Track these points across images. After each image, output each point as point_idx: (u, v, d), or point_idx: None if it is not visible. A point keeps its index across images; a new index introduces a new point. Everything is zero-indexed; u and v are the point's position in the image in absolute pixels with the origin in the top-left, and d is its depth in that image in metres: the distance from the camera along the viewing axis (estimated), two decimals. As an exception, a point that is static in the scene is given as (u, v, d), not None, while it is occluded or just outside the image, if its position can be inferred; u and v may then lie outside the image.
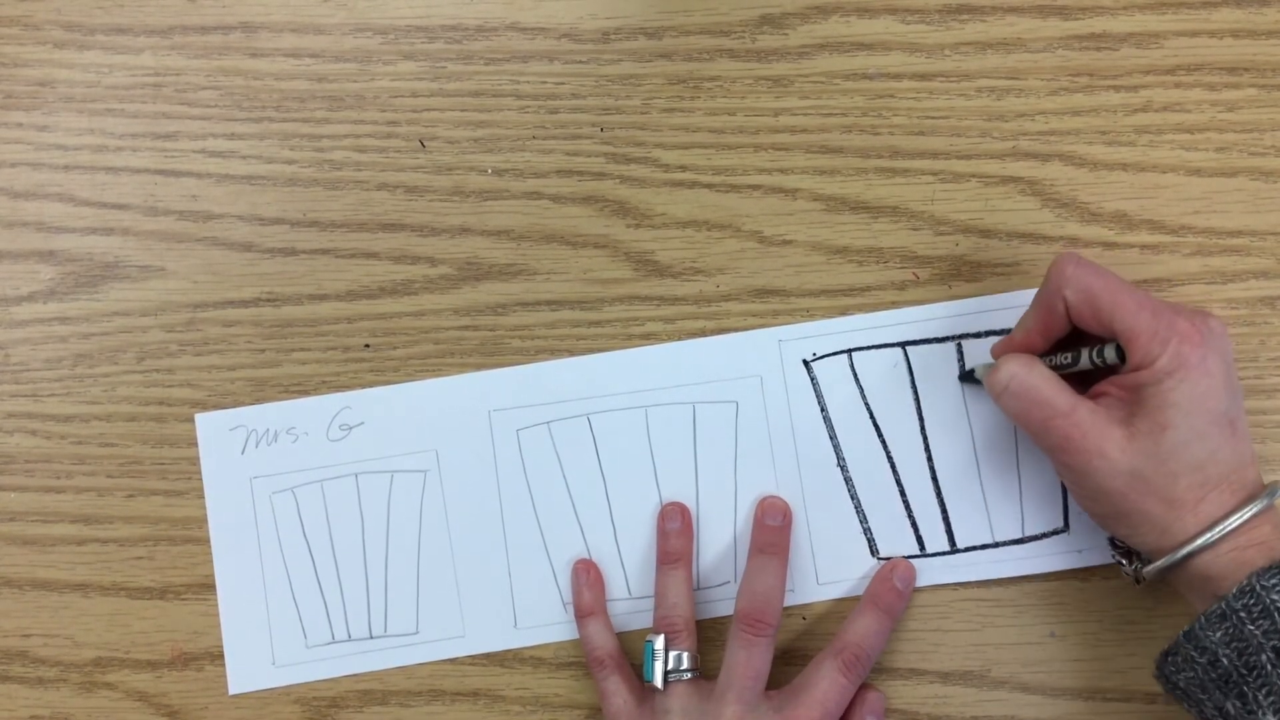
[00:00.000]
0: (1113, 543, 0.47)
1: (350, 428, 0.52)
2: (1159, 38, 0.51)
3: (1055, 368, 0.45)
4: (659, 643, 0.47)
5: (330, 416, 0.52)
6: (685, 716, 0.46)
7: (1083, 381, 0.45)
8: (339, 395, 0.52)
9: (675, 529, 0.50)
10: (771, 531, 0.49)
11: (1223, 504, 0.41)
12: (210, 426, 0.52)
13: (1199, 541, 0.40)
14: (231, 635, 0.51)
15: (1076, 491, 0.44)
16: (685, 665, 0.47)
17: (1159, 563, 0.42)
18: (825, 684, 0.46)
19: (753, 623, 0.47)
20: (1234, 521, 0.40)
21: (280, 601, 0.51)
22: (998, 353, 0.47)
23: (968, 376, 0.50)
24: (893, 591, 0.49)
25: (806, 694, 0.46)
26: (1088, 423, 0.42)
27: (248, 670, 0.51)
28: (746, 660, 0.46)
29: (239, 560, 0.51)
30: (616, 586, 0.51)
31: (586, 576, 0.50)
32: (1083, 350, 0.44)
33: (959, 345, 0.50)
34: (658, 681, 0.47)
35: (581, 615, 0.50)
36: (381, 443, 0.51)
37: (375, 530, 0.51)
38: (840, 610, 0.50)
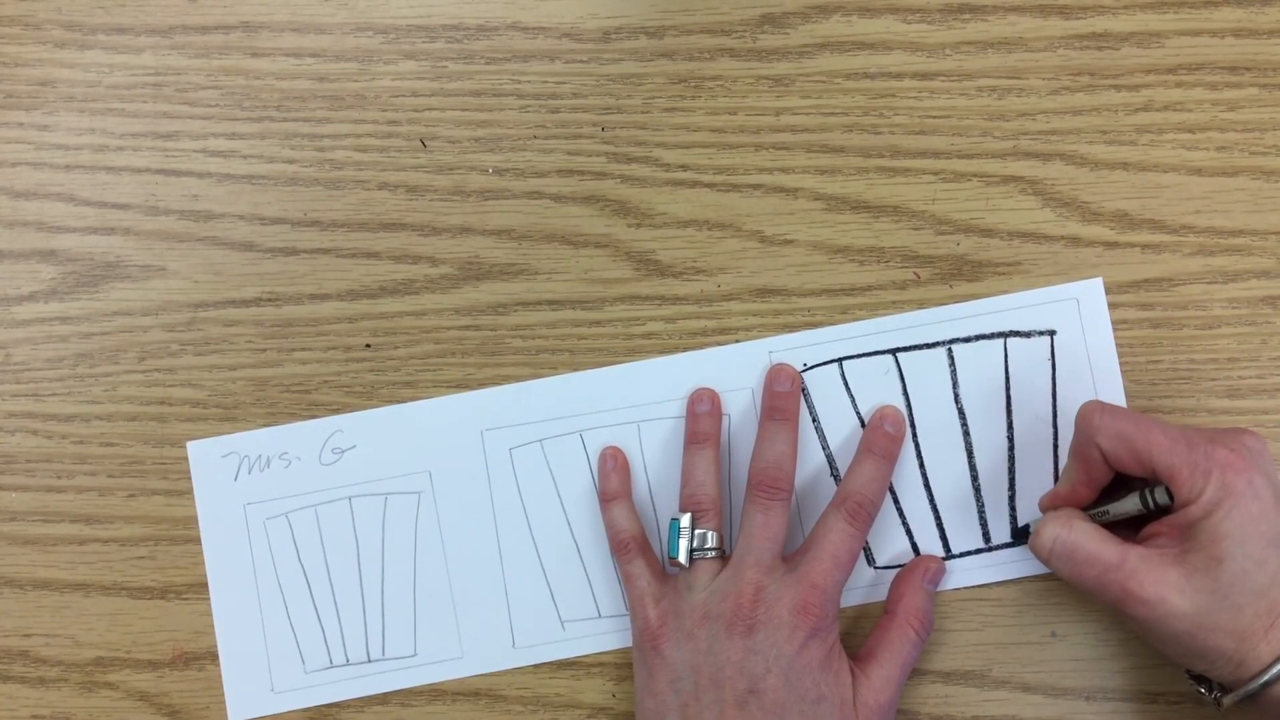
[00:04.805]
0: (1189, 671, 0.45)
1: (342, 451, 0.51)
2: (1160, 37, 0.51)
3: (1108, 518, 0.44)
4: (685, 520, 0.47)
5: (322, 440, 0.51)
6: (708, 592, 0.46)
7: (1133, 527, 0.44)
8: (330, 419, 0.51)
9: (705, 410, 0.50)
10: (780, 397, 0.49)
11: None
12: (202, 454, 0.52)
13: (1274, 671, 0.40)
14: (229, 662, 0.51)
15: (1146, 639, 0.43)
16: (710, 544, 0.47)
17: (1236, 694, 0.41)
18: (834, 536, 0.46)
19: (766, 488, 0.47)
20: None
21: (277, 627, 0.51)
22: (1044, 507, 0.47)
23: (1021, 535, 0.49)
24: (885, 436, 0.49)
25: (817, 548, 0.46)
26: (1141, 570, 0.41)
27: (247, 698, 0.51)
28: (763, 523, 0.46)
29: (235, 587, 0.51)
30: (616, 605, 0.50)
31: (614, 463, 0.50)
32: (1133, 495, 0.44)
33: (949, 350, 0.50)
34: (682, 558, 0.47)
35: (607, 500, 0.50)
36: (374, 465, 0.51)
37: (370, 553, 0.51)
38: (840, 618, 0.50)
